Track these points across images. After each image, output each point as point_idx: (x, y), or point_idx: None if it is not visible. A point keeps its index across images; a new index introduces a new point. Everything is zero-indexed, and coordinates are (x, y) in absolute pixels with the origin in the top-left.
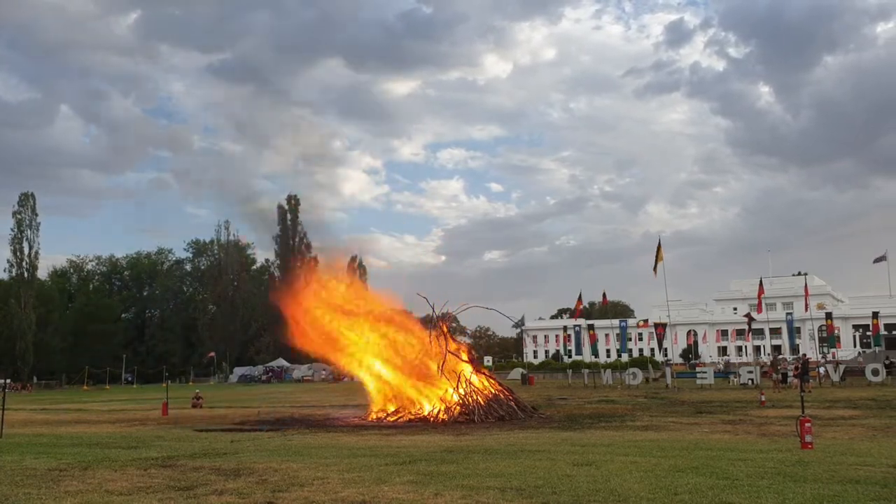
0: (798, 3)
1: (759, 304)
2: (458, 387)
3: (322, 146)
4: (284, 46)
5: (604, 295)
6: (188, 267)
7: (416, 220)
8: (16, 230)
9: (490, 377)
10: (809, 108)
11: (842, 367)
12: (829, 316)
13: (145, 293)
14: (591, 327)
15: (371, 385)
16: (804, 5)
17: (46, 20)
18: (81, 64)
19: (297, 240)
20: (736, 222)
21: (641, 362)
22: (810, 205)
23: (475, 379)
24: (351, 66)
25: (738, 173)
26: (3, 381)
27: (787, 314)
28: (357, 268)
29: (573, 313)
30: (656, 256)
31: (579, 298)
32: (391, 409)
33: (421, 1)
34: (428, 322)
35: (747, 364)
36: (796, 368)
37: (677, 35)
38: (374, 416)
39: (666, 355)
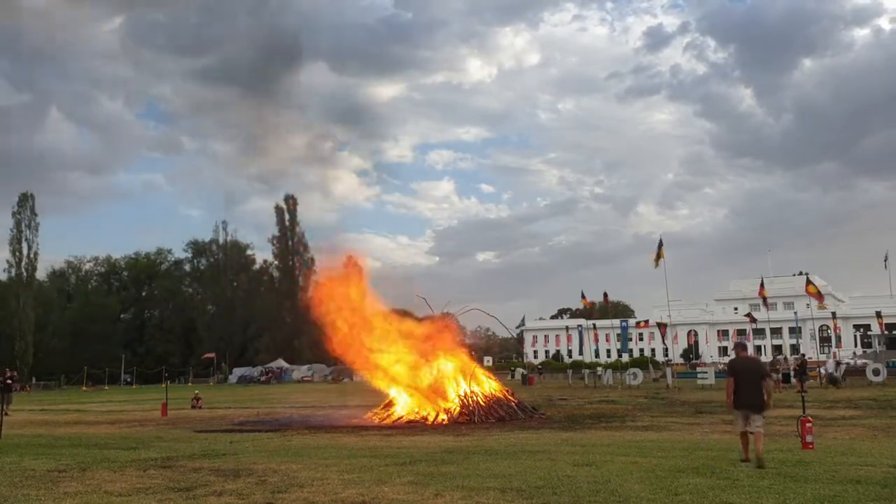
0: (775, 9)
1: (764, 300)
2: (457, 387)
3: (310, 147)
4: (267, 50)
5: (605, 295)
6: (187, 267)
7: (408, 220)
8: (15, 231)
9: (490, 377)
10: (791, 112)
11: (842, 368)
12: (833, 315)
13: (144, 294)
14: (592, 327)
15: (390, 387)
16: (781, 11)
17: (32, 25)
18: (69, 68)
19: (295, 240)
20: (725, 224)
21: (642, 362)
22: (798, 206)
23: (475, 379)
24: (334, 70)
25: (724, 175)
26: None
27: (794, 313)
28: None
29: (576, 313)
30: (658, 253)
31: (583, 296)
32: (393, 410)
33: (400, 6)
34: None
35: None
36: (795, 368)
37: (656, 39)
38: (374, 417)
39: (667, 355)
